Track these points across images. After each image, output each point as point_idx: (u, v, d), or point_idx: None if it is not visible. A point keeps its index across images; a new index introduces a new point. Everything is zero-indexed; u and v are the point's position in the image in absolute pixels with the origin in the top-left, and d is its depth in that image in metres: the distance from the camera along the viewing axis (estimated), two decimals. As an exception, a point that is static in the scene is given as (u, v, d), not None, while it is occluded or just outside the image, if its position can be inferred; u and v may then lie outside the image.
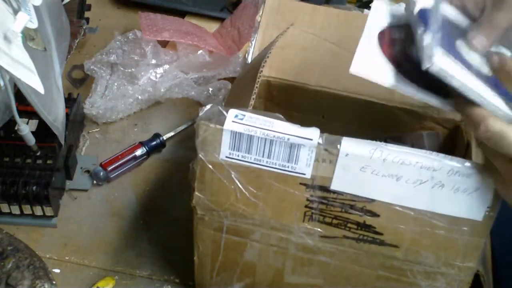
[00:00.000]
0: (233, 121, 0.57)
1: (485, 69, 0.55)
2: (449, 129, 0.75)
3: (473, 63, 0.55)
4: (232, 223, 0.63)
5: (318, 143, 0.56)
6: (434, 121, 0.75)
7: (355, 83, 0.76)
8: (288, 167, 0.58)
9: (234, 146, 0.58)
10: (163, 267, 0.79)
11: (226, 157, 0.58)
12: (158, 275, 0.78)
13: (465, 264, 0.60)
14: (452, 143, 0.75)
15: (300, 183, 0.58)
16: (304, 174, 0.58)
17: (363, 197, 0.58)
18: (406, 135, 0.77)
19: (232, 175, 0.59)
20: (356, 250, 0.62)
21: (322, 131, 0.57)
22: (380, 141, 0.77)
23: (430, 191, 0.56)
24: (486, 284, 0.68)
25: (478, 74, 0.54)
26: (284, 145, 0.57)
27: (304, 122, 0.82)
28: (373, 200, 0.58)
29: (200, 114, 0.58)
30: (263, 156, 0.58)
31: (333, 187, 0.58)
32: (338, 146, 0.56)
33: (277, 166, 0.58)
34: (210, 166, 0.59)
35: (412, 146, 0.76)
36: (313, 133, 0.57)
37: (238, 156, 0.58)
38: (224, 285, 0.71)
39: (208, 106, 0.59)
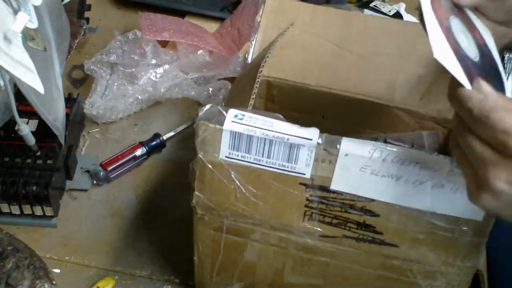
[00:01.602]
0: (232, 121, 0.57)
1: (472, 53, 0.52)
2: (449, 129, 0.75)
3: (462, 45, 0.52)
4: (232, 223, 0.63)
5: (318, 143, 0.56)
6: (434, 121, 0.75)
7: (355, 83, 0.77)
8: (287, 167, 0.58)
9: (234, 146, 0.58)
10: (163, 267, 0.79)
11: (226, 157, 0.58)
12: (158, 275, 0.78)
13: (465, 263, 0.60)
14: (452, 143, 0.75)
15: (300, 183, 0.58)
16: (304, 174, 0.58)
17: (363, 197, 0.58)
18: (406, 135, 0.77)
19: (232, 175, 0.59)
20: (356, 250, 0.62)
21: (322, 131, 0.57)
22: (380, 141, 0.77)
23: (430, 191, 0.56)
24: (484, 283, 0.69)
25: (465, 58, 0.50)
26: (284, 145, 0.57)
27: (304, 122, 0.82)
28: (373, 200, 0.58)
29: (200, 114, 0.58)
30: (262, 156, 0.58)
31: (333, 187, 0.58)
32: (338, 146, 0.56)
33: (276, 166, 0.58)
34: (210, 166, 0.59)
35: (412, 146, 0.76)
36: (313, 133, 0.57)
37: (237, 156, 0.58)
38: (224, 285, 0.71)
39: (208, 106, 0.59)
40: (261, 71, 0.67)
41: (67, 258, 0.79)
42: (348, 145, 0.56)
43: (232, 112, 0.58)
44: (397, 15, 1.12)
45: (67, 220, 0.83)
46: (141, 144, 0.91)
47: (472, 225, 0.57)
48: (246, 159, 0.58)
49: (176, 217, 0.84)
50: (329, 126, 0.79)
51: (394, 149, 0.56)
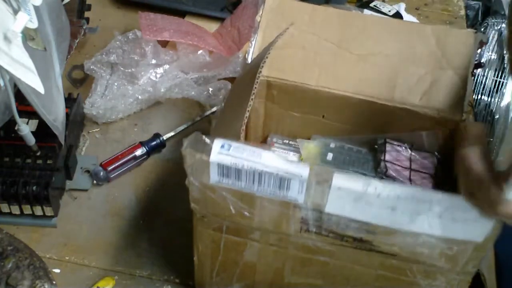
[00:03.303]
0: (219, 153, 0.56)
1: None
2: (449, 129, 0.75)
3: None
4: (231, 223, 0.63)
5: (309, 179, 0.54)
6: (434, 121, 0.75)
7: (355, 83, 0.77)
8: (280, 194, 0.57)
9: (223, 174, 0.56)
10: (163, 267, 0.79)
11: (216, 182, 0.57)
12: (158, 275, 0.78)
13: (466, 267, 0.60)
14: (452, 143, 0.75)
15: (294, 206, 0.58)
16: (297, 200, 0.57)
17: (358, 220, 0.57)
18: (406, 135, 0.77)
19: (225, 195, 0.58)
20: (356, 250, 0.62)
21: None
22: (380, 141, 0.77)
23: (428, 220, 0.55)
24: (489, 284, 0.68)
25: None
26: (274, 177, 0.55)
27: (304, 122, 0.83)
28: (369, 223, 0.57)
29: (185, 144, 0.56)
30: (253, 184, 0.56)
31: (327, 210, 0.57)
32: (330, 182, 0.54)
33: (268, 193, 0.57)
34: (202, 188, 0.58)
35: (412, 146, 0.76)
36: (303, 169, 0.54)
37: (228, 182, 0.57)
38: (224, 285, 0.71)
39: (193, 135, 0.56)
40: (261, 71, 0.67)
41: (67, 258, 0.79)
42: (340, 180, 0.54)
43: (218, 142, 0.56)
44: (397, 15, 1.12)
45: (67, 220, 0.83)
46: (141, 144, 0.91)
47: (472, 244, 0.56)
48: (236, 186, 0.57)
49: (176, 217, 0.84)
50: (329, 126, 0.80)
51: (389, 185, 0.54)
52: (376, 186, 0.53)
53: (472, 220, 0.54)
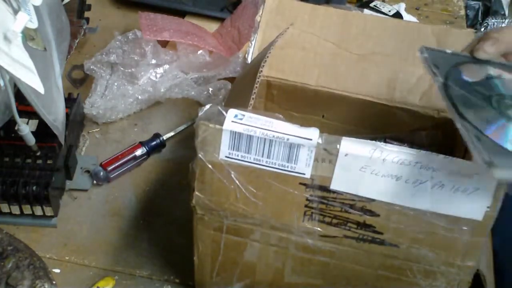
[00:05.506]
0: (232, 121, 0.57)
1: None
2: (449, 129, 0.75)
3: None
4: (232, 223, 0.64)
5: (318, 143, 0.56)
6: (434, 121, 0.75)
7: (355, 83, 0.77)
8: (287, 167, 0.58)
9: (234, 146, 0.58)
10: (163, 267, 0.79)
11: (226, 157, 0.58)
12: (158, 275, 0.78)
13: (465, 263, 0.60)
14: (452, 143, 0.75)
15: (300, 183, 0.58)
16: (304, 174, 0.58)
17: (363, 196, 0.58)
18: (406, 135, 0.77)
19: (232, 175, 0.59)
20: (356, 250, 0.62)
21: (322, 131, 0.57)
22: (380, 141, 0.77)
23: (430, 191, 0.56)
24: (487, 283, 0.68)
25: None
26: (284, 145, 0.57)
27: (304, 122, 0.82)
28: (373, 200, 0.58)
29: (200, 114, 0.59)
30: (262, 156, 0.58)
31: (333, 187, 0.58)
32: (338, 146, 0.56)
33: (276, 166, 0.58)
34: (210, 166, 0.59)
35: (412, 146, 0.76)
36: (313, 133, 0.57)
37: (237, 156, 0.58)
38: (224, 285, 0.71)
39: (208, 106, 0.59)
40: (261, 71, 0.67)
41: (67, 258, 0.79)
42: (348, 145, 0.56)
43: (232, 112, 0.58)
44: (397, 15, 1.12)
45: (67, 220, 0.83)
46: (141, 144, 0.91)
47: (472, 224, 0.57)
48: (246, 159, 0.58)
49: (176, 217, 0.84)
50: (329, 126, 0.80)
51: (394, 149, 0.56)
52: (382, 150, 0.55)
53: (473, 189, 0.55)
